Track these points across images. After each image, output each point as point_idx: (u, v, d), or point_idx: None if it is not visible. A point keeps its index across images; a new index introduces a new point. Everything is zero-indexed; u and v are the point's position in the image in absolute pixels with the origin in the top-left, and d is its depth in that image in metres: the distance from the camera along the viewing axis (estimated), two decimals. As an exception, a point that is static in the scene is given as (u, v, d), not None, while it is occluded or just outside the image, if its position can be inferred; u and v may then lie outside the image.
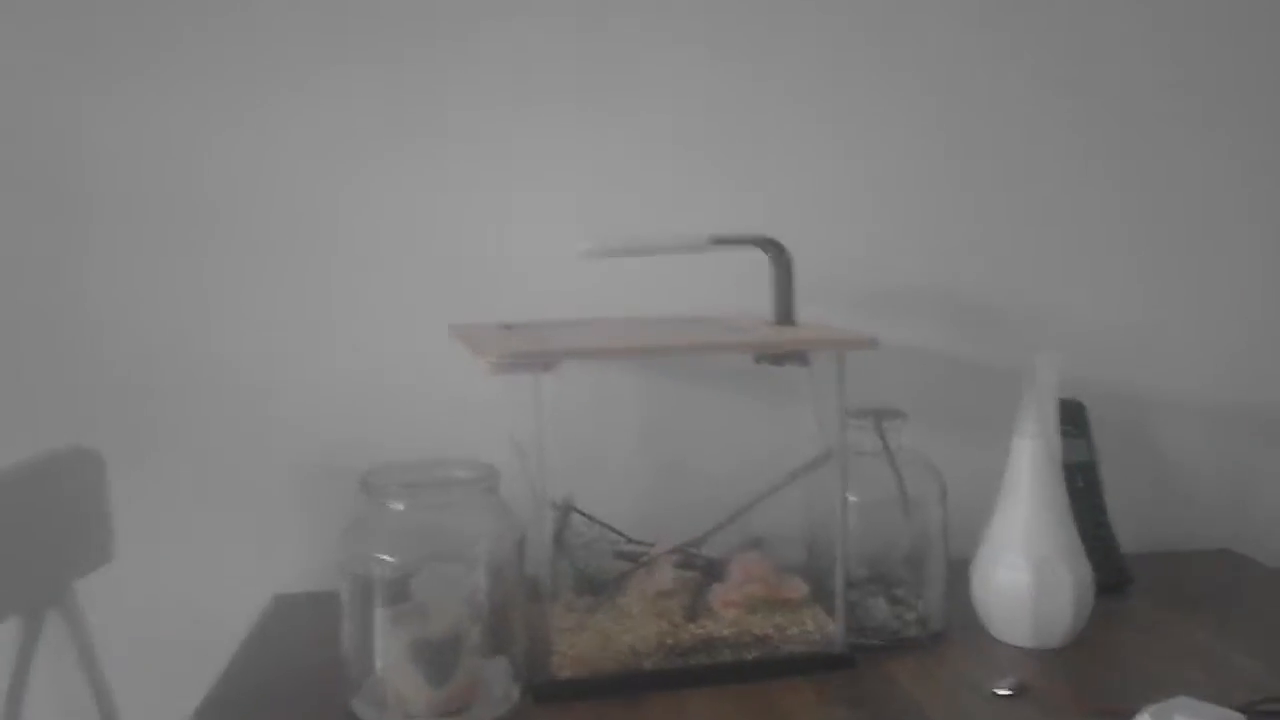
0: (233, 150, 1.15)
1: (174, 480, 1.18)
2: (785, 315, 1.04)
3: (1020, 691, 0.91)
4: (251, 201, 1.16)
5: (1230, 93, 1.29)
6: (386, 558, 0.88)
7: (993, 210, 1.27)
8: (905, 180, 1.25)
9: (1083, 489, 1.15)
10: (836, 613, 0.98)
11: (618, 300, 1.20)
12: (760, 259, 1.05)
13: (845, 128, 1.24)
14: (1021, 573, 0.99)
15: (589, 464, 1.14)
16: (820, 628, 0.98)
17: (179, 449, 1.18)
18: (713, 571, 1.03)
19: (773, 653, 0.97)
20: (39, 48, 1.12)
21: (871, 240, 1.25)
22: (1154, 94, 1.27)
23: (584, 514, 1.04)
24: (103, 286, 1.16)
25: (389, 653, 0.88)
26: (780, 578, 1.01)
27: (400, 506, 0.90)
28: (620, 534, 1.07)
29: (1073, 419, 1.17)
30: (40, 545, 0.96)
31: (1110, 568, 1.13)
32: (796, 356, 1.00)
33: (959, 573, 1.04)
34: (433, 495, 0.91)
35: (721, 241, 1.03)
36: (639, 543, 1.08)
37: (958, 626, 1.04)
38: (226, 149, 1.15)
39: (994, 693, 0.91)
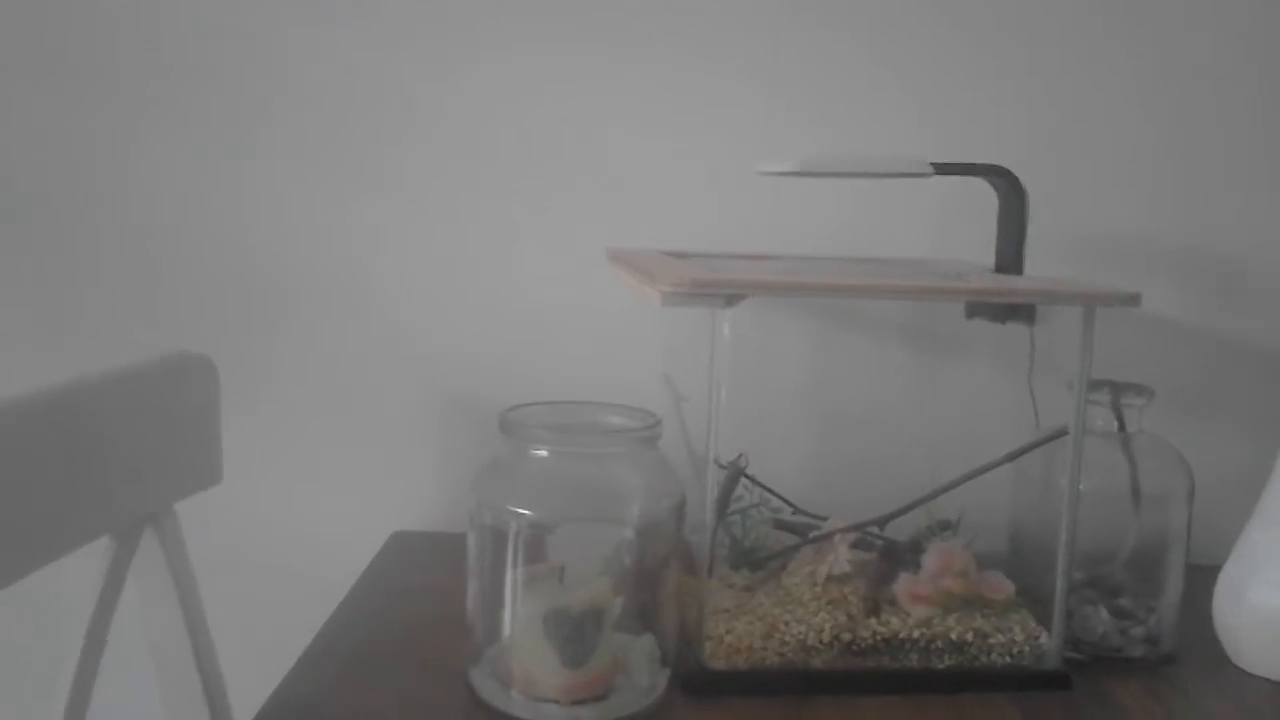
0: (377, 56, 1.07)
1: (295, 400, 1.11)
2: (1012, 263, 0.88)
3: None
4: (393, 108, 1.08)
5: None
6: (523, 510, 0.76)
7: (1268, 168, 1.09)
8: (1169, 118, 1.07)
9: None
10: (1053, 621, 0.82)
11: (798, 236, 1.06)
12: (973, 199, 0.90)
13: (1093, 45, 1.06)
14: (1286, 594, 0.82)
15: (752, 420, 1.01)
16: (1030, 637, 0.82)
17: (303, 366, 1.11)
18: (894, 557, 0.88)
19: (969, 662, 0.82)
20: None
21: (1116, 185, 1.08)
22: None
23: (753, 479, 0.89)
24: (239, 187, 1.08)
25: (518, 621, 0.76)
26: (982, 573, 0.85)
27: (544, 453, 0.78)
28: (788, 502, 0.93)
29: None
30: (143, 458, 0.87)
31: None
32: (1023, 312, 0.83)
33: (1197, 585, 0.89)
34: (584, 442, 0.79)
35: (946, 170, 0.86)
36: (807, 514, 0.94)
37: (1192, 649, 0.89)
38: (376, 57, 1.07)
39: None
